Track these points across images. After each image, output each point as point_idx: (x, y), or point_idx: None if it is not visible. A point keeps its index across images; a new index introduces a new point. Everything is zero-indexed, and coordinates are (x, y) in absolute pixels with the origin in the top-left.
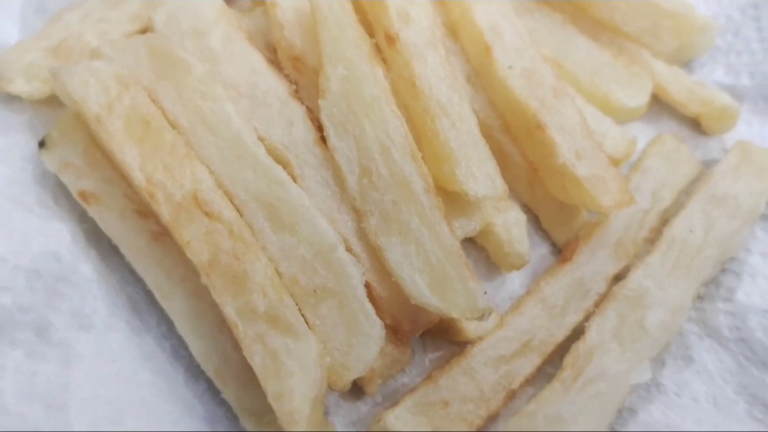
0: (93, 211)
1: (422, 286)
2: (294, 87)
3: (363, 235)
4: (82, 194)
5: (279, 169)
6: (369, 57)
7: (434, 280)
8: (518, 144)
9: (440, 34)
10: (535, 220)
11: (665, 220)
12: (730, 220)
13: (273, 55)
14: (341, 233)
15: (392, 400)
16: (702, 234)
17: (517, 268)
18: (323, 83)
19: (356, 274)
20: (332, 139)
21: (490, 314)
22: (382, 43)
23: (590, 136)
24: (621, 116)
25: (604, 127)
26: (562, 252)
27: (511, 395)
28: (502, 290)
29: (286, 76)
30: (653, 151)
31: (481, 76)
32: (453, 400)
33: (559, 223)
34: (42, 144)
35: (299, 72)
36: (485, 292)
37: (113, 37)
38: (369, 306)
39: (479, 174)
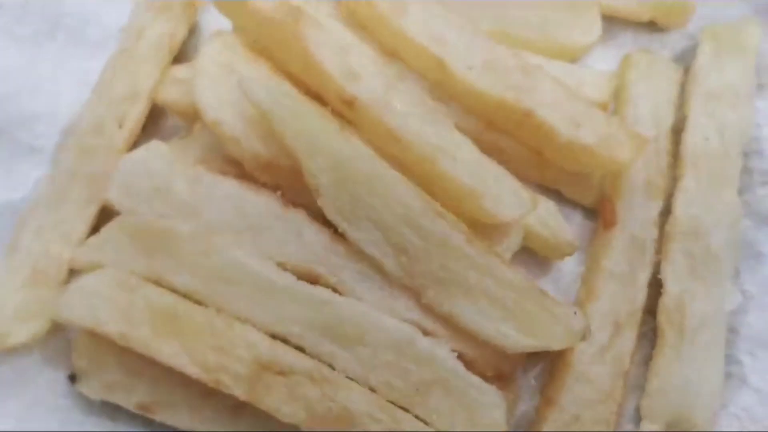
0: (161, 418)
1: (512, 334)
2: (278, 192)
3: (428, 308)
4: (142, 407)
5: (317, 289)
6: (341, 135)
7: (521, 323)
8: (511, 136)
9: (391, 72)
10: (557, 194)
11: (676, 134)
12: (734, 109)
13: (239, 169)
14: (407, 318)
15: None
16: (717, 137)
17: (570, 254)
18: (312, 182)
19: (446, 353)
20: (350, 233)
21: (589, 332)
22: (340, 107)
23: (576, 97)
24: (582, 53)
25: (576, 76)
26: (599, 214)
27: (627, 375)
28: (562, 276)
29: (264, 185)
30: (632, 75)
31: (443, 88)
32: (582, 411)
33: (581, 188)
34: (73, 378)
35: (276, 176)
36: (575, 312)
37: (77, 236)
38: (473, 377)
39: (504, 196)
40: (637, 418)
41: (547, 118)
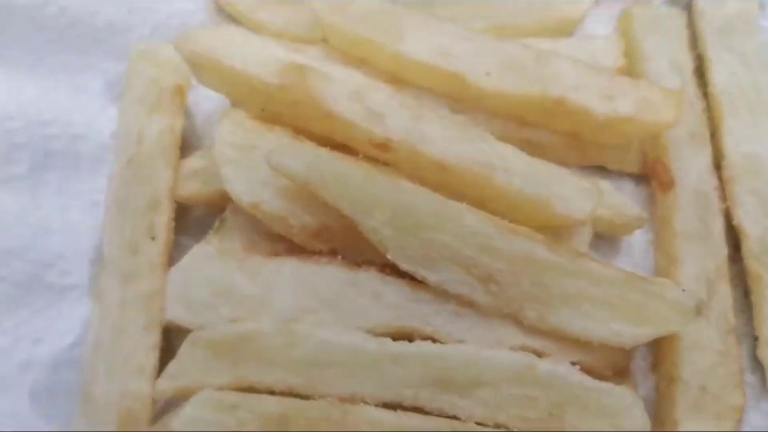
0: None
1: (626, 329)
2: (339, 257)
3: (531, 328)
4: None
5: (416, 345)
6: (389, 181)
7: (631, 316)
8: (544, 127)
9: (410, 101)
10: (601, 170)
11: (701, 77)
12: (749, 36)
13: (288, 242)
14: (513, 345)
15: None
16: (744, 69)
17: (640, 227)
18: (375, 238)
19: (567, 369)
20: (430, 277)
21: (704, 304)
22: (373, 152)
23: (597, 71)
24: (579, 23)
25: (586, 49)
26: (652, 178)
27: (735, 329)
28: (634, 250)
29: (320, 252)
30: (638, 32)
31: (464, 101)
32: (707, 379)
33: (625, 158)
34: None
35: (330, 241)
36: (683, 289)
37: (150, 366)
38: (603, 384)
39: (572, 194)
40: (755, 368)
41: (579, 100)
